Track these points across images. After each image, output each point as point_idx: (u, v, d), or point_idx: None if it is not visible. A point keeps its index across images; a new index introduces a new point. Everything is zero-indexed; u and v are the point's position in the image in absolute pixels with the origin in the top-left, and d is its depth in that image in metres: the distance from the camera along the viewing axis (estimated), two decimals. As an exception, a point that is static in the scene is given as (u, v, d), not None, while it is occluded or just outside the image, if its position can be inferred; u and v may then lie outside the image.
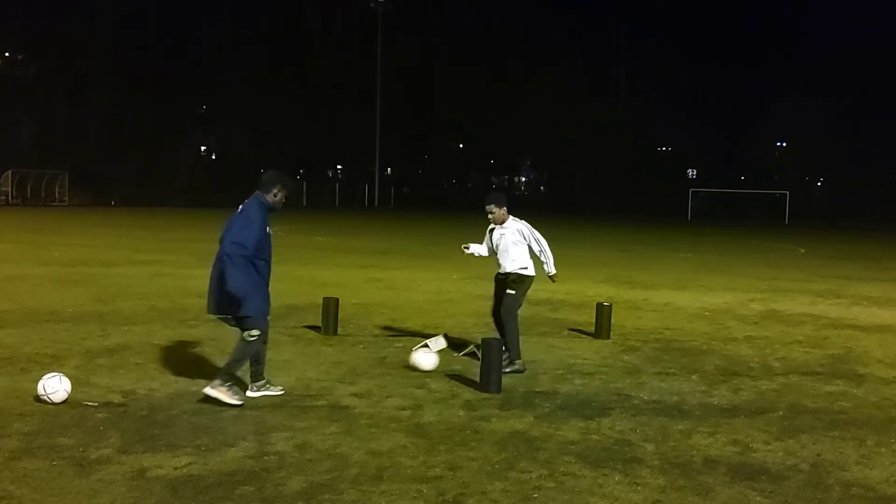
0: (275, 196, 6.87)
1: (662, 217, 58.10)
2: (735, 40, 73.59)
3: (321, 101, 69.11)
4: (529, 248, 8.55)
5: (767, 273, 20.02)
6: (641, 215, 59.03)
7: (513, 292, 8.44)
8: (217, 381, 6.70)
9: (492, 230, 8.71)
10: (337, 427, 6.23)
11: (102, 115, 60.05)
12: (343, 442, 5.89)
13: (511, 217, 8.62)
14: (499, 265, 8.67)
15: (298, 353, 8.90)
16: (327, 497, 4.88)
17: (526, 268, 8.52)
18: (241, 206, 6.88)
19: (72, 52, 59.16)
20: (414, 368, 8.09)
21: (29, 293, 12.82)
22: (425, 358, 8.17)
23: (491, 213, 8.57)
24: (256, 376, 7.05)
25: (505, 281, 8.55)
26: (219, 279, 6.70)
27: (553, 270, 8.66)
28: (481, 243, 8.95)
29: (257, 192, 6.92)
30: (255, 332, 6.72)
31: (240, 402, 6.67)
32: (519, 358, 8.35)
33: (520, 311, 8.57)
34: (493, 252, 8.76)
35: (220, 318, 7.05)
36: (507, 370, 8.00)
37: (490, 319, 11.42)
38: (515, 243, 8.50)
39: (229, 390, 6.68)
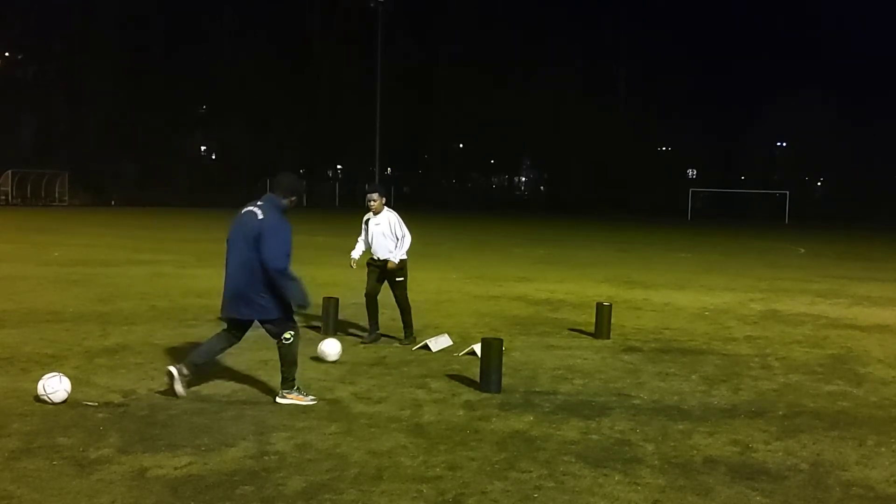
0: (290, 202, 6.93)
1: (662, 217, 58.15)
2: (735, 40, 73.33)
3: (321, 100, 69.08)
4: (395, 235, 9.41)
5: (767, 273, 20.02)
6: (641, 215, 59.07)
7: (401, 279, 9.43)
8: (284, 391, 6.85)
9: (367, 220, 9.45)
10: (337, 427, 6.23)
11: (102, 115, 59.98)
12: (343, 442, 5.89)
13: (386, 208, 9.41)
14: (373, 252, 9.48)
15: (298, 352, 8.88)
16: (327, 497, 4.88)
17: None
18: (259, 213, 6.70)
19: (72, 52, 59.17)
20: (321, 359, 8.28)
21: (29, 293, 12.82)
22: (330, 346, 8.38)
23: (373, 200, 9.34)
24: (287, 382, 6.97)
25: (384, 268, 9.37)
26: (243, 282, 6.67)
27: (397, 260, 9.31)
28: (357, 244, 9.61)
29: (272, 196, 6.90)
30: (289, 334, 6.82)
31: (314, 401, 6.83)
32: (412, 331, 9.59)
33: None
34: (367, 243, 9.52)
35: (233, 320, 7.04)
36: (408, 344, 9.32)
37: (490, 319, 11.48)
38: (391, 232, 9.31)
39: (299, 393, 6.85)
